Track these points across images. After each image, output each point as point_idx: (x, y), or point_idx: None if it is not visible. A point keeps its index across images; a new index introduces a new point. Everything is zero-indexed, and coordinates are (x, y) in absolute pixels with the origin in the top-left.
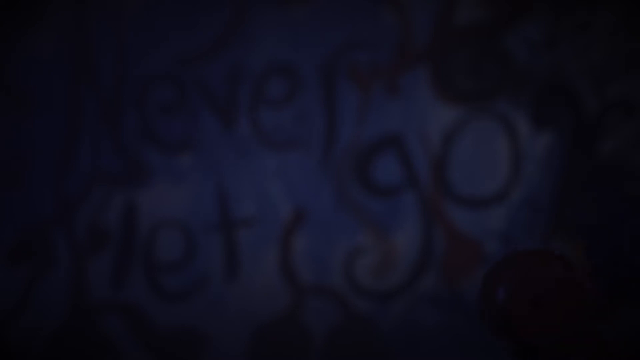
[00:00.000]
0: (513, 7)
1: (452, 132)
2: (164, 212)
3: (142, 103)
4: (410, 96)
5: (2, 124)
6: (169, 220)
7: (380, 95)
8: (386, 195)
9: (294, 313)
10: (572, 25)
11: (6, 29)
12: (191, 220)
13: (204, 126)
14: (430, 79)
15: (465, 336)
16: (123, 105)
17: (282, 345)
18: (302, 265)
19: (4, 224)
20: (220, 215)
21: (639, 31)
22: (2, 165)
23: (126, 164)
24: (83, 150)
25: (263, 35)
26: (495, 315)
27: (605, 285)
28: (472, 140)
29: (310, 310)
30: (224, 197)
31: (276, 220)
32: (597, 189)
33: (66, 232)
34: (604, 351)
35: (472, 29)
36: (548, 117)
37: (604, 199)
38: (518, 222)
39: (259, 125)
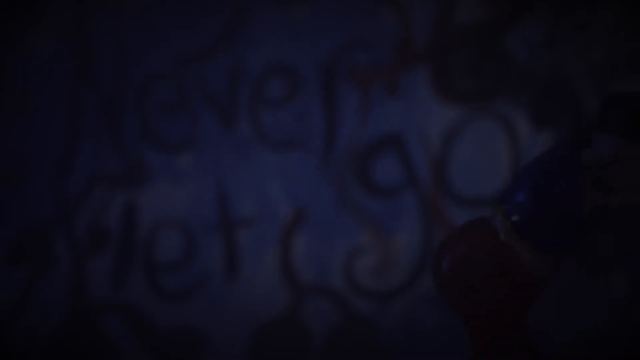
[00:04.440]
0: (513, 7)
1: (452, 132)
2: (164, 212)
3: (142, 103)
4: (410, 96)
5: (2, 124)
6: (169, 220)
7: (381, 95)
8: (386, 195)
9: (294, 313)
10: (572, 25)
11: (6, 29)
12: (191, 220)
13: (204, 126)
14: (430, 79)
15: (465, 336)
16: (123, 105)
17: (282, 345)
18: (302, 266)
19: (4, 224)
20: (220, 215)
21: (639, 31)
22: (2, 165)
23: (126, 164)
24: (83, 150)
25: (263, 35)
26: (439, 290)
27: (533, 241)
28: (472, 140)
29: (310, 310)
30: (224, 197)
31: (276, 220)
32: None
33: (66, 232)
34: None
35: (472, 29)
36: (548, 117)
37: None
38: None
39: (259, 125)
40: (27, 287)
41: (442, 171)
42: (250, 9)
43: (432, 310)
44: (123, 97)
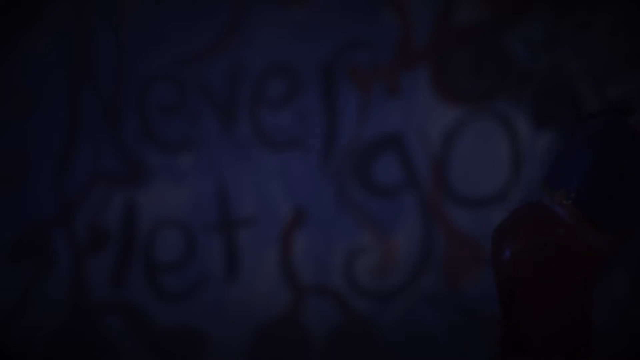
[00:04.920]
0: (513, 7)
1: (452, 132)
2: (164, 212)
3: (142, 103)
4: (410, 96)
5: (2, 124)
6: (169, 220)
7: (380, 95)
8: (386, 195)
9: (294, 313)
10: (572, 25)
11: (6, 29)
12: (191, 220)
13: (204, 126)
14: (430, 79)
15: (465, 336)
16: (123, 105)
17: (282, 346)
18: (302, 266)
19: (4, 224)
20: (221, 215)
21: (639, 31)
22: (2, 165)
23: (126, 164)
24: (83, 150)
25: (263, 35)
26: (502, 277)
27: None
28: (472, 140)
29: (310, 310)
30: (224, 197)
31: (276, 220)
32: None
33: (66, 232)
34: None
35: (472, 29)
36: (548, 117)
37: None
38: None
39: (259, 125)
40: (27, 286)
41: (442, 171)
42: (250, 9)
43: (432, 310)
44: (123, 97)
